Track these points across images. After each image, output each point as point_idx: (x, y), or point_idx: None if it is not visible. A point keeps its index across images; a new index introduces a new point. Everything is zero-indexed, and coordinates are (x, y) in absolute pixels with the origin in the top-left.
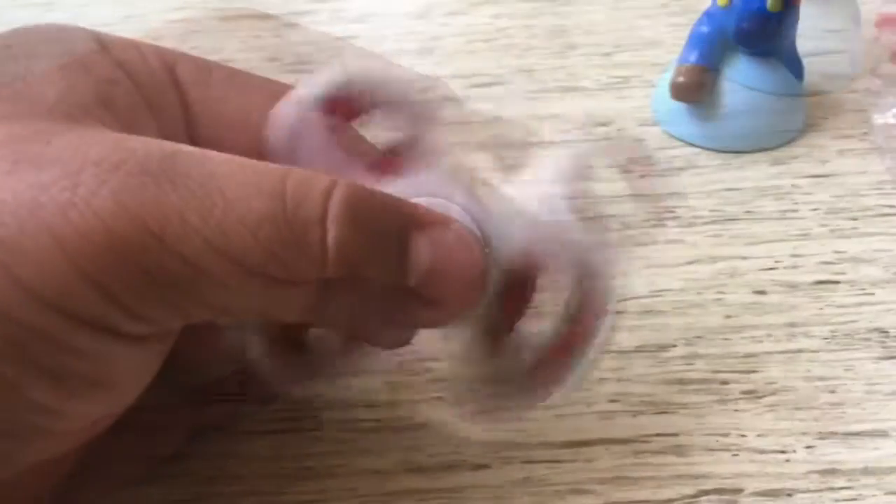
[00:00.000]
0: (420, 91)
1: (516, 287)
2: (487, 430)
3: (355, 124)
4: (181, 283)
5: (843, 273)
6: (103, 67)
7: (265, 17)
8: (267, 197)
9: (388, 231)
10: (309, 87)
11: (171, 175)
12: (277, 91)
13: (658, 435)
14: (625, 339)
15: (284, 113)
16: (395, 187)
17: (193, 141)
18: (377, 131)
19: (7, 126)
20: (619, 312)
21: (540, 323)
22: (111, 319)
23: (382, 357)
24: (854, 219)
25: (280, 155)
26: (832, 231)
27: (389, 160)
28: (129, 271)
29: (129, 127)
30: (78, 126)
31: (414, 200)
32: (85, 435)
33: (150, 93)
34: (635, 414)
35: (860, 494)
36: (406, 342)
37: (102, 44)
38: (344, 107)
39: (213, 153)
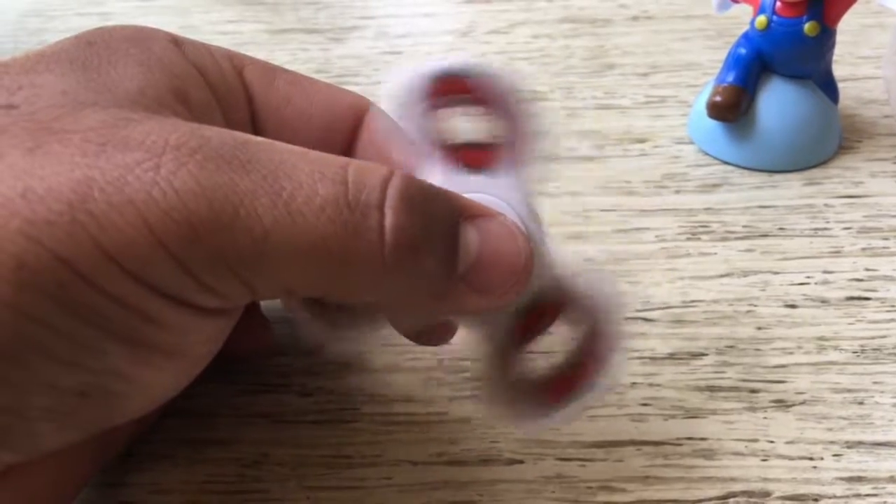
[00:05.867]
0: (522, 99)
1: (536, 314)
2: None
3: (457, 110)
4: (250, 261)
5: (873, 290)
6: (178, 66)
7: (312, 31)
8: (330, 182)
9: (441, 218)
10: (430, 64)
11: (244, 160)
12: (337, 94)
13: (688, 438)
14: (658, 346)
15: (402, 76)
16: (451, 181)
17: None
18: (472, 122)
19: (97, 113)
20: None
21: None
22: (186, 291)
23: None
24: (885, 238)
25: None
26: (863, 249)
27: (471, 151)
28: (204, 247)
29: (201, 120)
30: (156, 116)
31: (466, 195)
32: (146, 408)
33: (221, 91)
34: (666, 418)
35: (885, 502)
36: (446, 340)
37: (178, 44)
38: (452, 90)
39: (280, 143)
